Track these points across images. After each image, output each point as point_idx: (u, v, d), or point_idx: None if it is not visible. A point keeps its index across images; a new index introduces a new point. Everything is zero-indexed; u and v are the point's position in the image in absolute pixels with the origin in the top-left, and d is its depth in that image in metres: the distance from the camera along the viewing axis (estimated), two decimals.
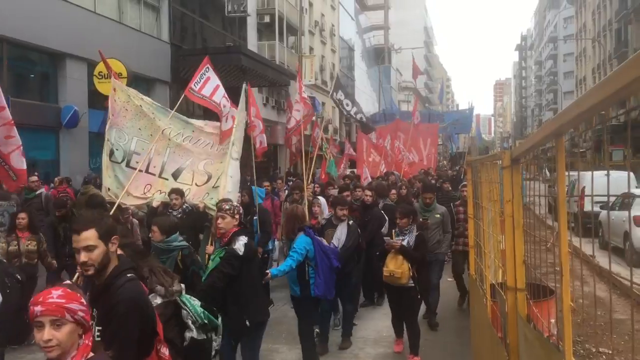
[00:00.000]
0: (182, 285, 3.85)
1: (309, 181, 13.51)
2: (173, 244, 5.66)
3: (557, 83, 75.91)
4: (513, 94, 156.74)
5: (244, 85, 8.83)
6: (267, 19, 29.11)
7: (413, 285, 6.57)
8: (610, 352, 6.83)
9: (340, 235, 6.98)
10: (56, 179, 13.22)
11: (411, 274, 6.47)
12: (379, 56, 59.20)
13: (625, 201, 12.76)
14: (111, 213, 6.76)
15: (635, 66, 1.19)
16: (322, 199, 8.86)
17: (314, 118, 16.07)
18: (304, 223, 6.39)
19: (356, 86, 51.59)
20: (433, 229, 8.17)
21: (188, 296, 3.93)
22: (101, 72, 13.49)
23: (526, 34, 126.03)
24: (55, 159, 15.98)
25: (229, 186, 7.82)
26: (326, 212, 8.58)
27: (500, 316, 3.53)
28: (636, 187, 13.96)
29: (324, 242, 6.40)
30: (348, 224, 7.09)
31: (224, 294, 5.05)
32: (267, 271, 6.03)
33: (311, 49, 37.21)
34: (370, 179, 14.78)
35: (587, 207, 11.03)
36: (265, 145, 11.83)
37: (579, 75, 63.83)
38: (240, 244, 5.04)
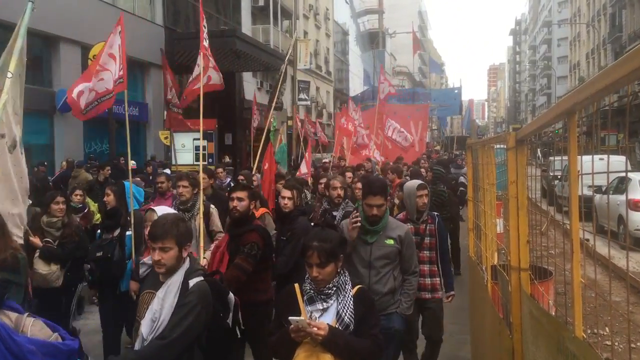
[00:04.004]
0: None
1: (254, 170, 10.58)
2: None
3: (551, 68, 75.95)
4: (507, 79, 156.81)
5: (29, 5, 5.00)
6: (261, 2, 28.90)
7: None
8: (605, 333, 6.92)
9: (160, 307, 3.06)
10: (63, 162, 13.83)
11: None
12: (373, 40, 59.05)
13: (620, 185, 12.88)
14: None
15: None
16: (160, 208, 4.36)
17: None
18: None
19: (350, 70, 51.46)
20: (381, 268, 4.34)
21: None
22: (95, 55, 13.33)
23: (520, 19, 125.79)
24: (49, 143, 15.91)
25: None
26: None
27: (502, 296, 3.57)
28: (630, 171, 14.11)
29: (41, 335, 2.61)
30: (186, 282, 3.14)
31: None
32: None
33: (305, 33, 37.01)
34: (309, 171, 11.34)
35: (581, 191, 11.10)
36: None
37: (573, 60, 63.88)
38: None
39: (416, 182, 5.46)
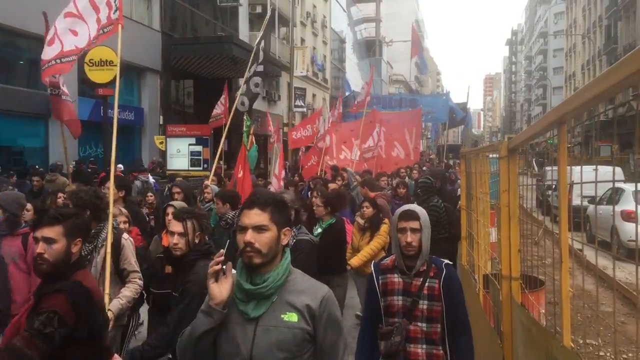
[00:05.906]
0: None
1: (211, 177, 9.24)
2: None
3: (546, 78, 76.34)
4: (503, 89, 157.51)
5: None
6: (258, 9, 28.99)
7: None
8: (596, 343, 6.93)
9: None
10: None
11: None
12: (370, 49, 59.24)
13: (612, 195, 12.92)
14: None
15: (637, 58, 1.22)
16: None
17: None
18: None
19: (347, 78, 51.59)
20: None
21: None
22: (92, 59, 13.31)
23: (517, 29, 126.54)
24: (44, 146, 15.88)
25: None
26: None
27: (493, 305, 3.58)
28: (623, 182, 14.14)
29: None
30: None
31: None
32: None
33: (303, 40, 37.10)
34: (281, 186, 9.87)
35: (575, 201, 11.14)
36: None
37: (569, 70, 64.19)
38: None
39: (404, 208, 3.31)
